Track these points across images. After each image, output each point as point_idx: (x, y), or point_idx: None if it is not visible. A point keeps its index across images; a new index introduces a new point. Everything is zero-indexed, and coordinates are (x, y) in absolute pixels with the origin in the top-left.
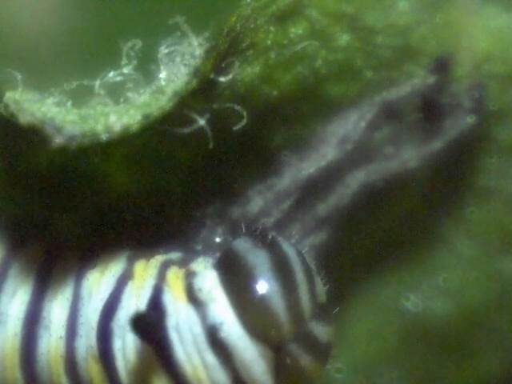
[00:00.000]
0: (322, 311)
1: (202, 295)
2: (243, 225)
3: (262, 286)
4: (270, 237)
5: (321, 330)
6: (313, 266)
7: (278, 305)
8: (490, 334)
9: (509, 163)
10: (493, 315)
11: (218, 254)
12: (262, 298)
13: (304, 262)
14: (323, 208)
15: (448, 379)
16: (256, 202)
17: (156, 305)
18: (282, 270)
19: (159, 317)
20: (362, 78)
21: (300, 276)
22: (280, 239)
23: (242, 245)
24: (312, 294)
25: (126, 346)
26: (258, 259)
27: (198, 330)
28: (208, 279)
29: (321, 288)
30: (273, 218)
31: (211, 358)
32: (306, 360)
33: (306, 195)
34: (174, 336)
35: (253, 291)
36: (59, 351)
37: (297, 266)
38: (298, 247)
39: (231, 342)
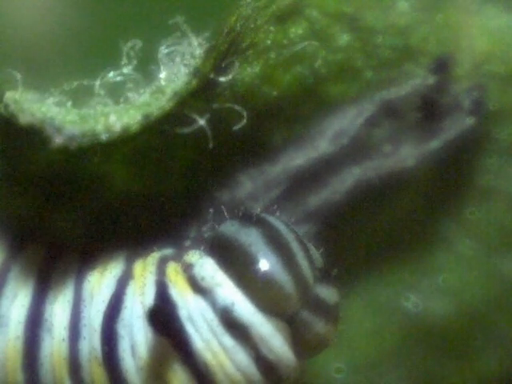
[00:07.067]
0: (323, 274)
1: (206, 283)
2: (225, 210)
3: (263, 262)
4: (255, 214)
5: (326, 293)
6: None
7: (283, 276)
8: (490, 334)
9: (509, 163)
10: (493, 315)
11: (207, 243)
12: (266, 274)
13: (293, 231)
14: (314, 201)
15: (448, 379)
16: (245, 186)
17: (164, 299)
18: (277, 243)
19: (172, 309)
20: (362, 77)
21: (295, 245)
22: (265, 215)
23: (230, 228)
24: (310, 259)
25: (136, 343)
26: (250, 237)
27: (211, 315)
28: (207, 267)
29: (315, 253)
30: (260, 204)
31: (229, 341)
32: (319, 324)
33: (297, 185)
34: (188, 327)
35: (255, 269)
36: (62, 354)
37: (289, 236)
38: (282, 219)
39: (246, 320)
